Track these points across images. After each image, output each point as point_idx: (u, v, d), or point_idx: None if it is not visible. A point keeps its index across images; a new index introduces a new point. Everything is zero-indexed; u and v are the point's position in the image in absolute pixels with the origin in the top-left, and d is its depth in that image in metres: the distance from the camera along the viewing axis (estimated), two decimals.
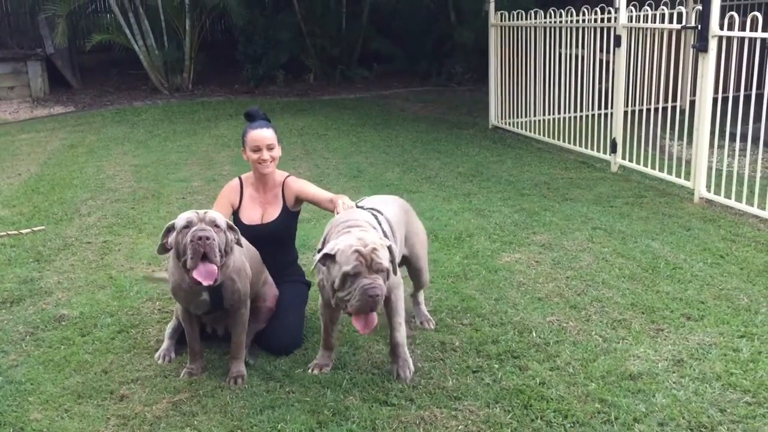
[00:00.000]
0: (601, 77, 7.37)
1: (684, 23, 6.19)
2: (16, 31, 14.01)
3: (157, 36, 12.88)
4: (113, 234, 5.60)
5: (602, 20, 7.28)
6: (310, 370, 3.45)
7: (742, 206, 5.59)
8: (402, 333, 3.40)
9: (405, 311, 3.48)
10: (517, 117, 8.80)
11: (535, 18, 8.21)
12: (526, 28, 8.38)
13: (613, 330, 3.80)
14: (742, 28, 5.82)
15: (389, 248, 3.13)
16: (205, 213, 3.25)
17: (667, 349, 3.57)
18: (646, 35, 6.95)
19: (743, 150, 7.16)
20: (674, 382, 3.27)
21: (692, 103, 6.21)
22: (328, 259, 3.10)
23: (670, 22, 6.41)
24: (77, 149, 8.89)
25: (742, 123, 6.64)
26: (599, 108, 7.49)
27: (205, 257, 3.15)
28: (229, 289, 3.36)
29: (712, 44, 5.71)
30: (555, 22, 7.94)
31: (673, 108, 6.83)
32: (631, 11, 6.92)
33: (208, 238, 3.14)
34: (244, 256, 3.50)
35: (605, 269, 4.61)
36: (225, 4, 12.38)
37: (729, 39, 5.74)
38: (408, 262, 3.79)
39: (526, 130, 8.67)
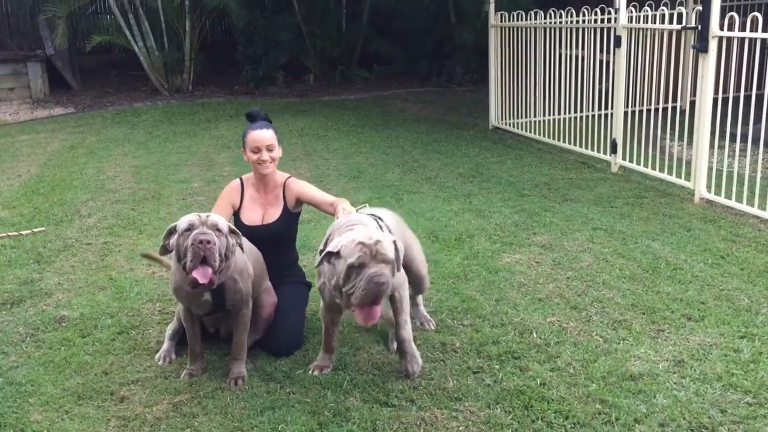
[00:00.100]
0: (601, 78, 7.37)
1: (684, 24, 6.19)
2: (16, 32, 14.01)
3: (157, 37, 12.88)
4: (113, 235, 5.60)
5: (602, 21, 7.27)
6: (310, 371, 3.45)
7: (743, 207, 5.59)
8: (408, 329, 3.42)
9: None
10: (518, 118, 8.80)
11: (535, 19, 8.21)
12: (526, 28, 8.38)
13: (614, 331, 3.79)
14: (742, 28, 5.82)
15: (394, 243, 3.13)
16: (207, 216, 3.25)
17: (668, 349, 3.57)
18: (646, 36, 6.95)
19: (743, 150, 7.16)
20: (675, 383, 3.27)
21: (692, 103, 6.22)
22: (333, 256, 3.09)
23: (670, 22, 6.41)
24: (77, 150, 8.89)
25: (742, 123, 6.64)
26: (599, 108, 7.49)
27: (204, 261, 3.15)
28: (231, 289, 3.36)
29: (713, 45, 5.71)
30: (555, 22, 7.94)
31: (674, 108, 6.83)
32: (631, 12, 6.92)
33: (208, 242, 3.14)
34: (248, 257, 3.49)
35: (606, 270, 4.61)
36: (225, 5, 12.38)
37: (729, 39, 5.74)
38: (408, 271, 3.79)
39: (526, 130, 8.67)
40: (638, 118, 6.96)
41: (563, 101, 8.04)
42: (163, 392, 3.33)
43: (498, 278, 4.52)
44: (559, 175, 7.06)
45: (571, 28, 7.71)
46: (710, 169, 5.96)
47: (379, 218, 3.50)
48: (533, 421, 3.02)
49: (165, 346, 3.68)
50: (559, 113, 8.13)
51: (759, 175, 6.35)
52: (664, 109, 6.96)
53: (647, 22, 6.78)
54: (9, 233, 5.61)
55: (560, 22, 7.86)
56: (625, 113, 7.08)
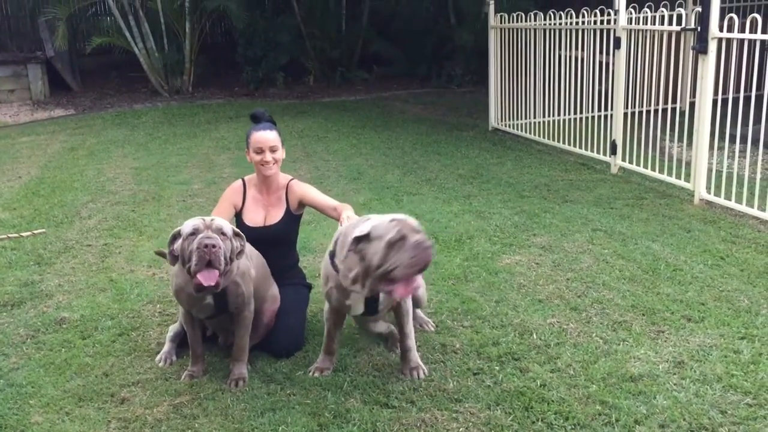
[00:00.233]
0: (601, 79, 7.37)
1: (684, 25, 6.19)
2: (17, 34, 14.03)
3: (157, 39, 12.89)
4: (114, 237, 5.60)
5: (602, 22, 7.28)
6: (311, 373, 3.45)
7: (743, 208, 5.59)
8: (413, 339, 3.45)
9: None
10: (517, 119, 8.80)
11: (535, 20, 8.22)
12: (525, 30, 8.38)
13: (614, 332, 3.80)
14: (742, 29, 5.83)
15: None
16: (211, 220, 3.25)
17: (668, 350, 3.57)
18: (645, 37, 6.95)
19: (743, 151, 7.16)
20: (675, 384, 3.27)
21: (692, 104, 6.22)
22: (361, 241, 3.03)
23: (670, 23, 6.42)
24: (77, 152, 8.90)
25: (741, 124, 6.65)
26: (599, 110, 7.50)
27: (209, 264, 3.15)
28: (234, 292, 3.36)
29: (712, 46, 5.71)
30: (555, 24, 7.94)
31: (673, 110, 6.84)
32: (631, 13, 6.92)
33: (214, 246, 3.14)
34: (251, 262, 3.49)
35: (606, 271, 4.61)
36: (225, 7, 12.39)
37: (729, 41, 5.74)
38: None
39: (526, 132, 8.67)
40: (638, 120, 6.97)
41: (563, 102, 8.04)
42: (164, 394, 3.33)
43: (498, 279, 4.52)
44: (559, 176, 7.07)
45: (570, 30, 7.72)
46: (710, 170, 5.96)
47: None
48: (533, 423, 3.03)
49: (166, 347, 3.68)
50: (559, 114, 8.14)
51: (759, 176, 6.36)
52: (664, 111, 6.96)
53: (647, 24, 6.78)
54: (9, 235, 5.61)
55: (560, 24, 7.86)
56: (625, 114, 7.09)
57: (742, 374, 3.33)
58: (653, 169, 6.66)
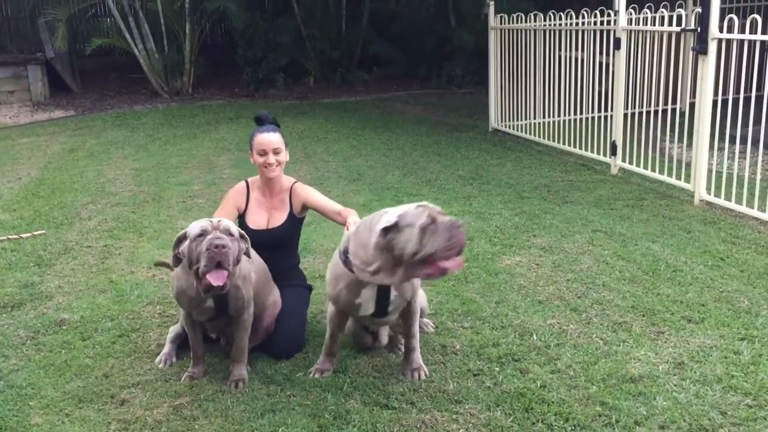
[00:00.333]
0: (600, 80, 7.38)
1: (683, 26, 6.20)
2: (16, 35, 14.04)
3: (157, 40, 12.89)
4: (114, 238, 5.60)
5: (602, 23, 7.28)
6: (311, 374, 3.45)
7: (743, 208, 5.59)
8: (417, 340, 3.45)
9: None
10: (517, 120, 8.80)
11: (535, 21, 8.22)
12: (525, 30, 8.39)
13: (614, 333, 3.80)
14: (742, 30, 5.83)
15: None
16: (218, 221, 3.25)
17: (668, 351, 3.57)
18: (645, 38, 6.96)
19: (743, 152, 7.16)
20: (675, 385, 3.27)
21: (692, 105, 6.22)
22: (390, 231, 3.00)
23: (670, 24, 6.42)
24: (77, 153, 8.90)
25: (742, 125, 6.65)
26: (599, 110, 7.50)
27: (219, 265, 3.14)
28: (234, 296, 3.36)
29: (712, 47, 5.71)
30: (554, 24, 7.95)
31: (673, 110, 6.84)
32: (631, 14, 6.93)
33: (224, 246, 3.14)
34: (253, 266, 3.49)
35: (606, 272, 4.61)
36: (225, 8, 12.40)
37: (728, 41, 5.74)
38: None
39: (526, 132, 8.67)
40: (638, 120, 6.97)
41: (563, 103, 8.04)
42: (164, 395, 3.33)
43: (498, 280, 4.52)
44: (559, 177, 7.07)
45: (570, 31, 7.72)
46: (710, 170, 5.96)
47: None
48: (533, 424, 3.03)
49: (166, 349, 3.68)
50: (559, 115, 8.14)
51: (759, 176, 6.36)
52: (664, 111, 6.96)
53: (647, 25, 6.78)
54: (9, 236, 5.61)
55: (560, 25, 7.87)
56: (625, 115, 7.09)
57: (742, 375, 3.33)
58: (653, 170, 6.66)
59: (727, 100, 5.87)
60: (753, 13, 5.61)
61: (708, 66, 5.76)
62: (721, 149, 6.49)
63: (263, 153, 3.79)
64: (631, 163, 6.91)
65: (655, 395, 3.19)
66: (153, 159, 8.42)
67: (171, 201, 6.61)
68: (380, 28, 14.41)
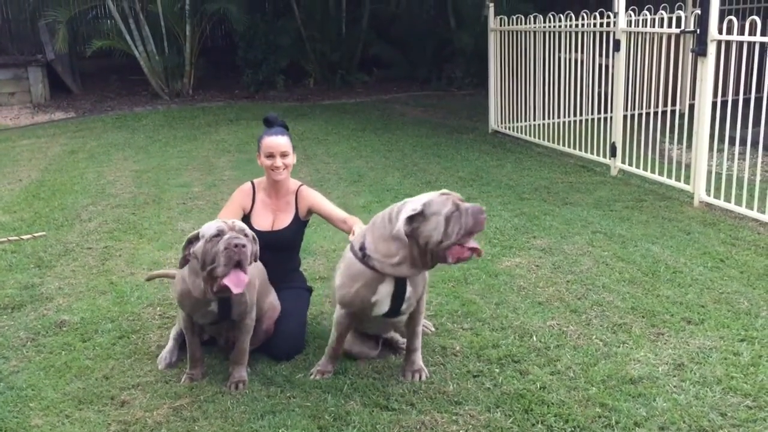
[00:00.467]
0: (600, 81, 7.38)
1: (683, 27, 6.21)
2: (17, 37, 14.05)
3: (157, 42, 12.90)
4: (114, 239, 5.61)
5: (601, 24, 7.29)
6: (312, 375, 3.45)
7: (742, 210, 5.59)
8: (420, 341, 3.45)
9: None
10: (517, 121, 8.81)
11: (535, 22, 8.23)
12: (525, 32, 8.39)
13: (614, 334, 3.80)
14: (741, 32, 5.83)
15: None
16: (233, 222, 3.25)
17: (668, 353, 3.57)
18: (645, 39, 6.96)
19: (743, 153, 7.16)
20: (675, 386, 3.27)
21: (692, 106, 6.23)
22: (416, 219, 3.02)
23: (669, 26, 6.42)
24: (78, 155, 8.91)
25: (741, 126, 6.66)
26: (599, 112, 7.50)
27: (237, 265, 3.13)
28: (238, 300, 3.35)
29: (711, 48, 5.72)
30: (554, 26, 7.95)
31: (673, 112, 6.84)
32: (630, 15, 6.93)
33: (243, 246, 3.13)
34: (255, 270, 3.49)
35: (605, 273, 4.61)
36: (225, 10, 12.40)
37: (728, 43, 5.75)
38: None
39: (525, 134, 8.68)
40: (637, 122, 6.97)
41: (563, 105, 8.05)
42: (164, 396, 3.34)
43: (498, 282, 4.52)
44: (559, 178, 7.07)
45: (570, 32, 7.73)
46: (709, 172, 5.96)
47: None
48: (533, 425, 3.03)
49: (168, 345, 3.68)
50: (559, 117, 8.15)
51: (758, 178, 6.37)
52: (664, 113, 6.97)
53: (646, 26, 6.79)
54: (10, 238, 5.61)
55: (559, 26, 7.88)
56: (625, 117, 7.09)
57: (741, 376, 3.33)
58: (653, 172, 6.67)
59: (726, 101, 5.87)
60: (752, 15, 5.62)
61: (707, 67, 5.77)
62: (720, 151, 6.49)
63: (271, 156, 3.79)
64: (630, 164, 6.91)
65: (655, 396, 3.19)
66: (153, 161, 8.43)
67: (171, 203, 6.61)
68: (380, 30, 14.42)
